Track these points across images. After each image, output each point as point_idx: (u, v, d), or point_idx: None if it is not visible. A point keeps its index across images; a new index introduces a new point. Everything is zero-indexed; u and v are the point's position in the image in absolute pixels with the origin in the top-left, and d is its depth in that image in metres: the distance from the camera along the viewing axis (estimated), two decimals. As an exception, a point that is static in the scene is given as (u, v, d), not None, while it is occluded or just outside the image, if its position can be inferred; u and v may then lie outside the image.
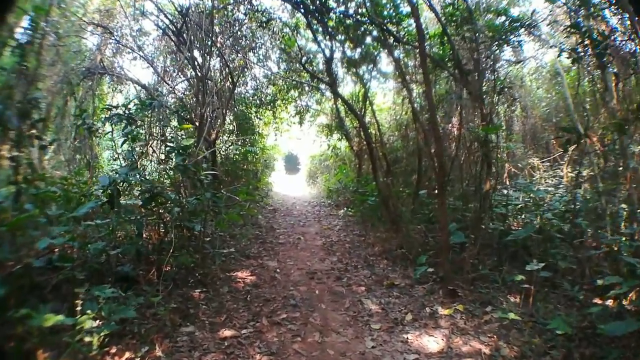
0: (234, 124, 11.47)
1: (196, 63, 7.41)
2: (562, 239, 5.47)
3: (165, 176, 4.48)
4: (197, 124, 7.28)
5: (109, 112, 4.40)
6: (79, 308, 2.92)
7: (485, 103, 6.43)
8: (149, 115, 4.06)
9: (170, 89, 7.88)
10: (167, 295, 4.30)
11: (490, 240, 5.87)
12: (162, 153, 4.61)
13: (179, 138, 8.28)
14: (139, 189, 4.12)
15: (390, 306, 4.67)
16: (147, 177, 4.17)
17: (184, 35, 7.35)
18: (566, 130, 4.92)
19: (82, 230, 4.26)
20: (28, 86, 4.62)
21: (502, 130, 8.53)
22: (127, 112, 4.13)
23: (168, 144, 4.04)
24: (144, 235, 4.76)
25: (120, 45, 8.81)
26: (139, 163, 4.41)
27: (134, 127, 4.21)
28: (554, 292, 4.66)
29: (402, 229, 7.14)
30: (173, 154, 3.92)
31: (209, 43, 7.47)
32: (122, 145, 4.56)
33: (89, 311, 2.89)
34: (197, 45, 7.58)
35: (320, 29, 8.31)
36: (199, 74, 7.15)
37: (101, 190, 3.83)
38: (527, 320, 4.03)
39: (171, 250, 4.02)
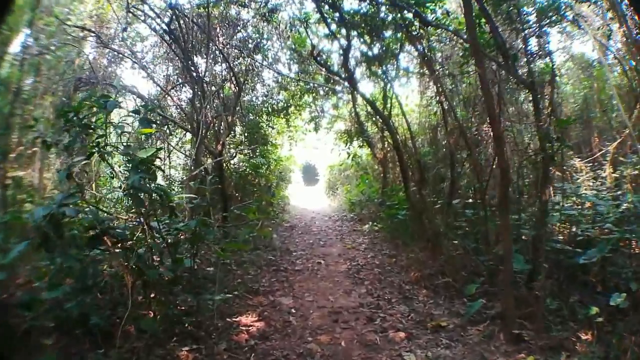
0: (245, 134, 10.44)
1: (190, 63, 6.37)
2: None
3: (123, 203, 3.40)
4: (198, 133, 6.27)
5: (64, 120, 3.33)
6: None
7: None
8: (104, 119, 2.94)
9: (164, 94, 6.87)
10: (144, 356, 3.22)
11: (550, 263, 4.62)
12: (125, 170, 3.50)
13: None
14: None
15: (440, 362, 3.47)
16: (97, 205, 3.03)
17: (175, 33, 6.32)
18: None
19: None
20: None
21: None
22: (78, 117, 3.04)
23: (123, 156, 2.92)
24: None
25: (110, 51, 7.88)
26: (90, 185, 3.28)
27: (91, 136, 3.12)
28: (622, 320, 3.53)
29: (441, 249, 5.93)
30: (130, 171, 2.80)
31: (206, 41, 6.44)
32: (83, 162, 3.49)
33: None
34: (192, 44, 6.55)
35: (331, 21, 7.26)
36: (195, 75, 6.10)
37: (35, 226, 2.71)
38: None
39: (129, 307, 2.90)
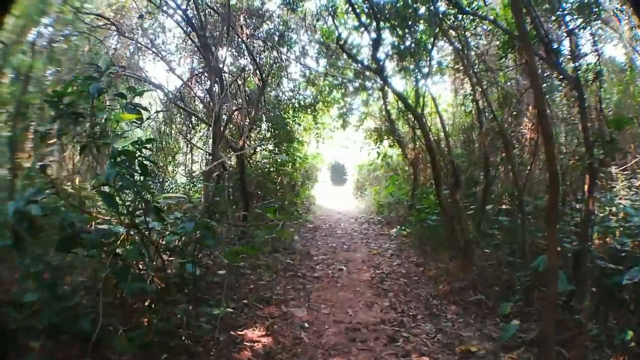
0: (272, 130, 10.06)
1: (209, 54, 6.01)
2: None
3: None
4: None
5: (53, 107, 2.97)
6: None
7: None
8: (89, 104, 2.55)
9: (185, 86, 6.55)
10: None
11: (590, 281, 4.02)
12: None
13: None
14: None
15: (469, 397, 2.98)
16: (74, 203, 2.64)
17: (193, 20, 5.99)
18: None
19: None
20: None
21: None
22: (63, 103, 2.67)
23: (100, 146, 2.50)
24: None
25: (131, 42, 7.65)
26: (71, 179, 2.91)
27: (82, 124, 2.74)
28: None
29: (473, 259, 5.38)
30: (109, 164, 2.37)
31: (225, 28, 6.07)
32: (80, 152, 3.14)
33: None
34: (211, 33, 6.20)
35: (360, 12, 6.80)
36: (210, 60, 5.74)
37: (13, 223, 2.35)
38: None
39: (100, 321, 2.51)
